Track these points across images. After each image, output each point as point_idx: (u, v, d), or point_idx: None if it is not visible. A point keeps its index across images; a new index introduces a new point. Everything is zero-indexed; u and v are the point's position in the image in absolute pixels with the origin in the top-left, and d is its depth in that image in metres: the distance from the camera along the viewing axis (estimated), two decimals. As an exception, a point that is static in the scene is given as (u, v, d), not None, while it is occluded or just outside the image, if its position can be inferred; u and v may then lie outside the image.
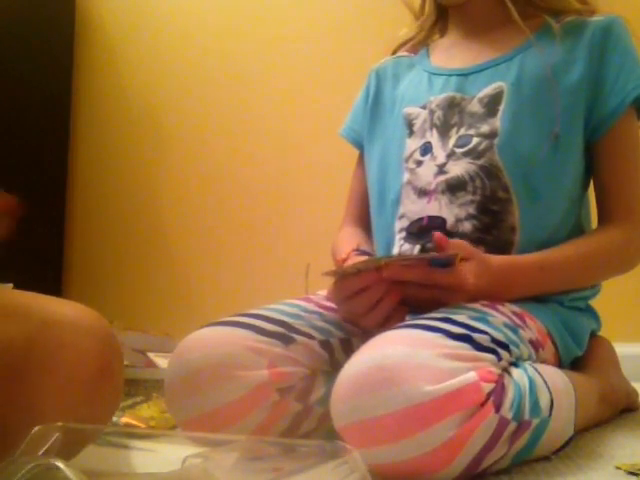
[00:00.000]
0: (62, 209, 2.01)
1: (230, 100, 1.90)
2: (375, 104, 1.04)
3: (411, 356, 0.61)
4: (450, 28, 1.04)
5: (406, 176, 0.93)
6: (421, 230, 0.89)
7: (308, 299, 0.87)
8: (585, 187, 0.94)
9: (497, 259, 0.81)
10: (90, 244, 2.03)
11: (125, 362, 0.69)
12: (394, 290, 0.77)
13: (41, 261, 1.93)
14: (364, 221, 1.03)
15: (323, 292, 0.90)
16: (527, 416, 0.65)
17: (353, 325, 0.82)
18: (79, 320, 0.62)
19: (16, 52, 1.87)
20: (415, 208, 0.91)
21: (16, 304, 0.62)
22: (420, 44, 1.06)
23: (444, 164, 0.89)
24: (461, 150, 0.88)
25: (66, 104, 2.02)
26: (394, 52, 1.09)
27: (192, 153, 1.94)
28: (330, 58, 1.79)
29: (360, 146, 1.07)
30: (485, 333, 0.68)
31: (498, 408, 0.62)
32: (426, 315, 0.72)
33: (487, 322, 0.71)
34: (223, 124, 1.91)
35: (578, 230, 0.92)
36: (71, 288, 2.00)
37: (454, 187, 0.88)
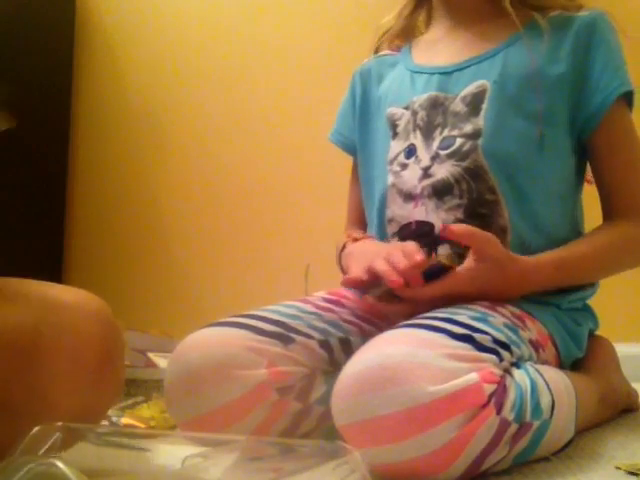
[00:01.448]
0: (62, 209, 2.01)
1: (230, 100, 1.90)
2: (363, 108, 1.02)
3: (413, 356, 0.61)
4: (434, 21, 1.01)
5: (390, 179, 0.92)
6: (410, 235, 0.88)
7: (305, 300, 0.87)
8: (577, 186, 0.93)
9: (513, 263, 0.80)
10: (90, 244, 2.03)
11: (125, 362, 0.69)
12: None
13: (41, 261, 1.93)
14: (365, 229, 1.02)
15: (320, 293, 0.90)
16: (528, 418, 0.65)
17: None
18: (82, 305, 0.63)
19: (16, 52, 1.87)
20: (402, 212, 0.90)
21: (21, 291, 0.63)
22: (401, 36, 1.03)
23: (429, 167, 0.88)
24: (445, 152, 0.87)
25: (66, 104, 2.02)
26: (377, 50, 1.06)
27: (192, 153, 1.94)
28: (331, 59, 1.79)
29: (350, 151, 1.05)
30: (486, 333, 0.68)
31: (499, 410, 0.61)
32: (428, 315, 0.72)
33: (488, 322, 0.71)
34: (223, 124, 1.91)
35: (572, 230, 0.91)
36: (71, 288, 2.00)
37: (440, 191, 0.86)
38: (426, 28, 1.03)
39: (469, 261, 0.77)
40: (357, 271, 0.79)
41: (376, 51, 1.07)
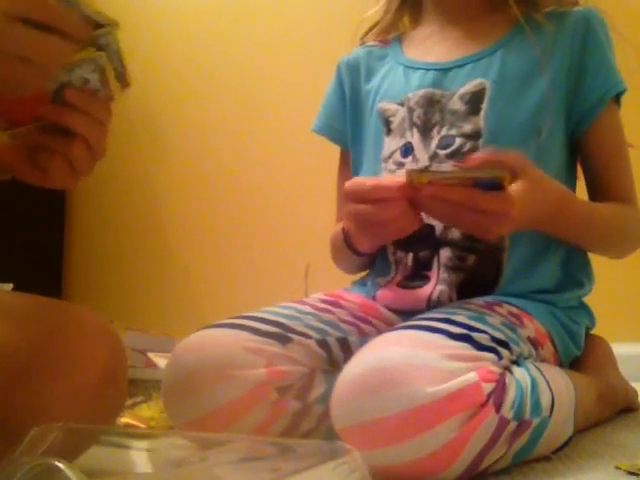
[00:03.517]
0: (62, 209, 2.01)
1: (230, 99, 1.90)
2: (354, 101, 1.00)
3: (412, 357, 0.61)
4: (425, 18, 0.99)
5: (385, 177, 0.90)
6: (409, 237, 0.87)
7: (303, 302, 0.87)
8: (570, 183, 0.93)
9: (551, 184, 0.79)
10: (90, 244, 2.03)
11: (127, 379, 0.69)
12: (417, 216, 0.75)
13: (41, 261, 1.93)
14: None
15: (318, 295, 0.90)
16: (527, 416, 0.65)
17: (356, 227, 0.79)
18: (86, 326, 0.63)
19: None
20: None
21: (24, 309, 0.62)
22: (389, 31, 1.01)
23: (427, 167, 0.86)
24: (444, 152, 0.86)
25: (66, 104, 2.02)
26: (362, 41, 1.04)
27: (192, 153, 1.94)
28: (333, 55, 1.78)
29: (341, 143, 1.03)
30: (485, 332, 0.68)
31: (498, 408, 0.62)
32: (426, 316, 0.72)
33: (486, 322, 0.71)
34: (223, 124, 1.91)
35: None
36: (71, 288, 2.00)
37: None
38: (411, 25, 1.01)
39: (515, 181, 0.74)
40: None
41: (362, 43, 1.04)
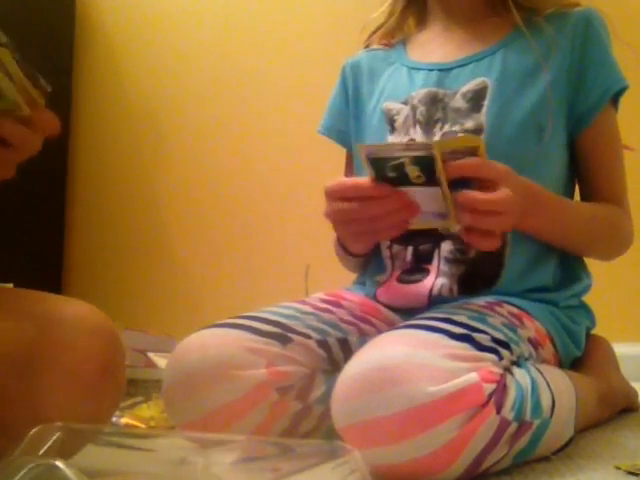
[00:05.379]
0: (62, 209, 2.01)
1: (230, 100, 1.90)
2: (356, 101, 1.02)
3: (412, 356, 0.61)
4: (429, 21, 1.00)
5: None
6: (408, 232, 0.88)
7: (303, 302, 0.87)
8: (571, 181, 0.94)
9: (526, 179, 0.79)
10: (90, 244, 2.03)
11: (125, 372, 0.69)
12: (402, 223, 0.75)
13: (41, 261, 1.93)
14: None
15: (318, 295, 0.90)
16: (528, 417, 0.65)
17: (339, 223, 0.80)
18: (83, 320, 0.63)
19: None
20: None
21: (21, 303, 0.63)
22: (393, 33, 1.03)
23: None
24: None
25: (66, 104, 2.02)
26: (367, 44, 1.06)
27: (192, 153, 1.94)
28: (332, 56, 1.78)
29: (346, 144, 1.04)
30: (485, 333, 0.68)
31: (499, 409, 0.62)
32: (426, 315, 0.72)
33: (486, 322, 0.71)
34: (223, 124, 1.91)
35: None
36: (71, 288, 2.00)
37: None
38: (417, 27, 1.03)
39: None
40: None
41: (366, 46, 1.06)
